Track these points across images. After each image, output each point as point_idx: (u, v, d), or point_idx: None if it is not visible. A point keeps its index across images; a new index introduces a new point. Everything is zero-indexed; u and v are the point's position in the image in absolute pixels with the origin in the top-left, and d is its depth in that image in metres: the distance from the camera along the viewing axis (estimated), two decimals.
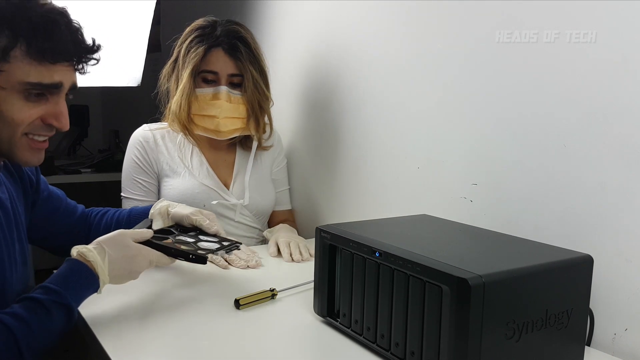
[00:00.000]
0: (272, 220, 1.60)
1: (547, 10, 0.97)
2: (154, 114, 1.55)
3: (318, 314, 0.94)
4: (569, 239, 0.93)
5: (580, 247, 0.87)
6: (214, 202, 1.44)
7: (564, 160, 0.96)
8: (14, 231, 0.96)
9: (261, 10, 1.88)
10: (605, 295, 0.90)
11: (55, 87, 0.87)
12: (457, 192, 1.16)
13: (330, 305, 0.92)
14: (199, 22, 1.45)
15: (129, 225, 1.15)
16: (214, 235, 1.10)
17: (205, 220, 1.10)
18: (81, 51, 0.89)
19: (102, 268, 0.87)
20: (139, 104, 2.92)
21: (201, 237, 1.08)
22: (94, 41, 0.91)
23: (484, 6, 1.08)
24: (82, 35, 0.89)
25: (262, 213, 1.55)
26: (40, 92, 0.86)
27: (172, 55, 1.47)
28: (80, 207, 1.22)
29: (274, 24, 1.80)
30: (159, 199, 1.46)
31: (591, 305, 0.85)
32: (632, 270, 0.87)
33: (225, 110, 1.41)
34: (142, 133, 1.48)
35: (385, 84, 1.34)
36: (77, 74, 0.91)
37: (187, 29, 1.45)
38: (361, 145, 1.43)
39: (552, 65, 0.97)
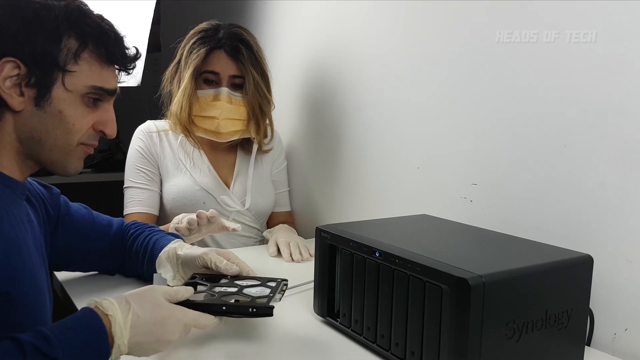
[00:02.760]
0: (271, 222, 1.60)
1: (547, 10, 0.97)
2: (154, 114, 1.55)
3: (318, 314, 0.94)
4: (569, 239, 0.93)
5: (580, 247, 0.87)
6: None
7: (564, 160, 0.96)
8: (42, 258, 0.88)
9: (261, 11, 1.88)
10: (605, 295, 0.90)
11: (111, 93, 0.85)
12: (457, 192, 1.16)
13: (330, 305, 0.92)
14: (202, 25, 1.46)
15: (152, 256, 1.03)
16: (249, 277, 0.93)
17: (222, 261, 0.93)
18: (129, 57, 0.89)
19: (120, 328, 0.69)
20: (139, 104, 2.92)
21: (238, 282, 0.90)
22: (137, 49, 0.91)
23: (484, 6, 1.08)
24: (126, 42, 0.90)
25: (262, 214, 1.55)
26: (98, 97, 0.84)
27: (175, 58, 1.47)
28: (116, 223, 1.09)
29: (274, 25, 1.80)
30: (161, 190, 1.46)
31: (591, 305, 0.85)
32: (632, 270, 0.87)
33: (226, 112, 1.41)
34: (146, 126, 1.50)
35: (385, 83, 1.34)
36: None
37: (190, 32, 1.46)
38: (361, 145, 1.43)
39: (552, 65, 0.97)
